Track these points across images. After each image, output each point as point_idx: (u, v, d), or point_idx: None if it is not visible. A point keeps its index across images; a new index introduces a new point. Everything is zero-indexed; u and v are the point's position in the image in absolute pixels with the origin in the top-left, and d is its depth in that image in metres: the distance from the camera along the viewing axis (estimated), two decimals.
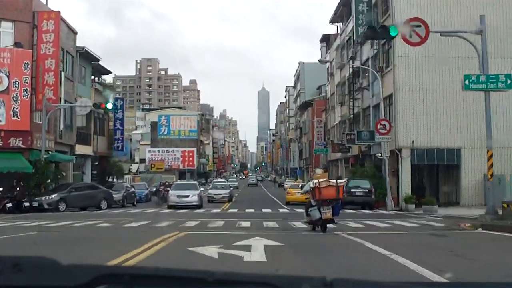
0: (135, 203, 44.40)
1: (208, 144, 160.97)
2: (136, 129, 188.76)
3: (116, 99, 58.33)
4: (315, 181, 18.60)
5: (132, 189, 46.33)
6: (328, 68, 76.08)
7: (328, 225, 18.15)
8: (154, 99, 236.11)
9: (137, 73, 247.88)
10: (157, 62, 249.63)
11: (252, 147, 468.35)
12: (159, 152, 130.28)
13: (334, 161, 71.60)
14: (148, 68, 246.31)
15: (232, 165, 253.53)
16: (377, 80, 46.27)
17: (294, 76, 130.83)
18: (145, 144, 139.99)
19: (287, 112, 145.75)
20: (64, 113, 45.56)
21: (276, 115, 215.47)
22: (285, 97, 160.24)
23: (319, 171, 23.15)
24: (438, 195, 46.21)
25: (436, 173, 48.66)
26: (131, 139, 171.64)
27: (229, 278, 2.17)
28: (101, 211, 35.65)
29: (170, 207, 38.82)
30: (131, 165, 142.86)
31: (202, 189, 47.37)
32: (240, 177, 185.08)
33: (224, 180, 68.13)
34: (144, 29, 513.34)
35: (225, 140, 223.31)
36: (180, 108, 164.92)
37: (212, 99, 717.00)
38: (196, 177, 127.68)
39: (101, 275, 2.07)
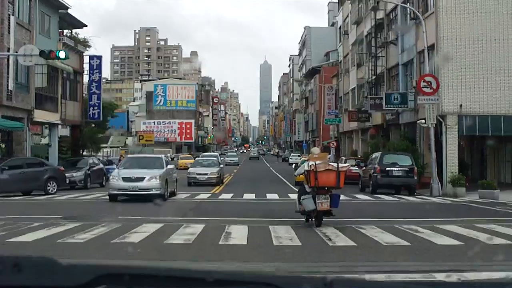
0: (104, 183, 34.25)
1: (208, 116, 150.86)
2: (134, 101, 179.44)
3: (91, 57, 48.14)
4: (311, 162, 15.14)
5: (100, 166, 35.97)
6: (340, 27, 65.70)
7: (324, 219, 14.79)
8: (153, 70, 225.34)
9: (136, 44, 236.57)
10: (156, 32, 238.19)
11: (254, 122, 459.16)
12: (154, 124, 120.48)
13: (348, 133, 61.60)
14: (147, 38, 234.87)
15: (233, 138, 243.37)
16: (410, 31, 36.23)
17: (299, 43, 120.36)
18: (141, 116, 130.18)
19: (291, 82, 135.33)
20: (16, 68, 35.53)
21: (279, 87, 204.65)
22: (289, 66, 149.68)
23: (316, 150, 18.16)
24: (484, 174, 36.44)
25: (480, 148, 38.79)
26: (128, 111, 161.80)
27: (229, 278, 2.14)
28: (44, 197, 25.78)
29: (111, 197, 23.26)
30: (126, 138, 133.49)
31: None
32: (241, 151, 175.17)
33: (214, 155, 52.45)
34: (144, 1, 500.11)
35: (225, 113, 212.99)
36: (180, 79, 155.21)
37: (214, 73, 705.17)
38: (194, 151, 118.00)
39: (101, 275, 2.05)
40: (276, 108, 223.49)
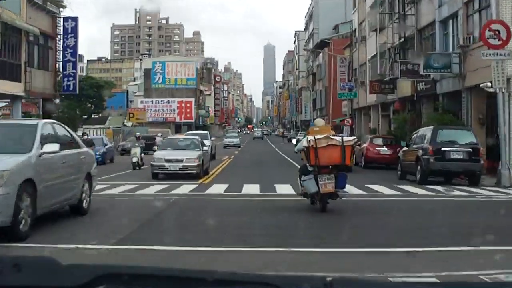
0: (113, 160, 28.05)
1: (210, 95, 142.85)
2: (134, 81, 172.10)
3: (65, 19, 40.22)
4: (311, 137, 12.83)
5: (111, 145, 30.64)
6: None
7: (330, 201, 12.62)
8: (154, 50, 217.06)
9: (137, 22, 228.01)
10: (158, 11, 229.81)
11: (258, 103, 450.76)
12: (152, 103, 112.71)
13: (364, 109, 53.76)
14: (148, 17, 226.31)
15: (236, 119, 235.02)
16: None
17: (305, 16, 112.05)
18: (140, 96, 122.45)
19: (297, 59, 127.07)
20: None
21: (284, 65, 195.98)
22: (294, 43, 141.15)
23: (319, 122, 15.15)
24: None
25: None
26: (127, 91, 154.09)
27: (229, 278, 2.12)
28: None
29: None
30: (125, 118, 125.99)
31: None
32: (244, 132, 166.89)
33: (204, 133, 40.59)
34: None
35: (228, 92, 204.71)
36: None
37: (217, 54, 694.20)
38: (194, 129, 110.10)
39: (101, 275, 2.03)
40: (280, 87, 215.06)
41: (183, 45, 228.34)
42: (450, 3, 30.02)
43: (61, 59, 40.09)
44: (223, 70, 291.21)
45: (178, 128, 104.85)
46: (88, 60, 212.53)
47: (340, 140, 12.89)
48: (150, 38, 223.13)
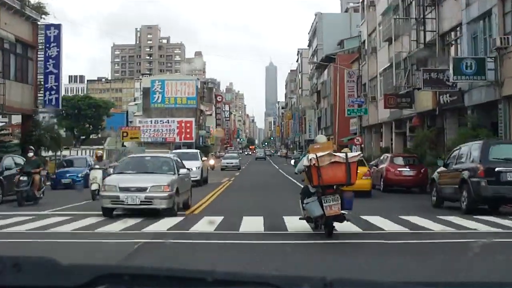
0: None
1: (211, 115, 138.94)
2: (134, 101, 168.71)
3: (47, 26, 36.26)
4: (312, 155, 11.70)
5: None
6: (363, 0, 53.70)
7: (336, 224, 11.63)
8: (155, 70, 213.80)
9: (137, 42, 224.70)
10: (158, 30, 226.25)
11: (260, 124, 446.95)
12: (151, 122, 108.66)
13: (375, 126, 49.64)
14: (149, 36, 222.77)
15: (238, 139, 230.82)
16: None
17: (308, 33, 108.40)
18: (139, 116, 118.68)
19: (300, 77, 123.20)
20: None
21: (286, 85, 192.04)
22: (297, 61, 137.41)
23: (321, 138, 14.03)
24: None
25: None
26: (127, 112, 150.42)
27: (229, 278, 2.11)
28: None
29: None
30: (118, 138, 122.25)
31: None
32: (246, 153, 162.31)
33: (194, 153, 35.42)
34: (147, 3, 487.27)
35: (230, 113, 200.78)
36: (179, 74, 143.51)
37: (219, 74, 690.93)
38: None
39: (101, 275, 2.03)
40: (282, 108, 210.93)
41: (184, 65, 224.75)
42: (480, 1, 26.01)
43: (43, 71, 36.12)
44: (224, 91, 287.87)
45: (178, 149, 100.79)
46: (88, 80, 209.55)
47: (344, 157, 11.80)
48: (151, 58, 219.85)
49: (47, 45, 35.87)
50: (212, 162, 58.06)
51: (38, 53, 36.37)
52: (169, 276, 2.09)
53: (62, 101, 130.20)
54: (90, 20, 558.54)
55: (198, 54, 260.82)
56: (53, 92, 35.68)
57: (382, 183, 26.62)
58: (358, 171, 22.92)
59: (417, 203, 20.29)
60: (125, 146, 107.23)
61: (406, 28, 36.63)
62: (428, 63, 32.18)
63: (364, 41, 52.45)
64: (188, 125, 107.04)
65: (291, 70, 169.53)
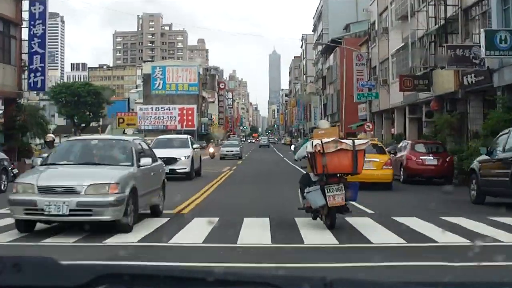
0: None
1: (213, 102, 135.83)
2: (136, 88, 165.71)
3: (32, 2, 33.11)
4: (317, 141, 10.92)
5: None
6: None
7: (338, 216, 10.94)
8: (157, 57, 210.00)
9: (139, 29, 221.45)
10: (161, 17, 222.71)
11: (263, 112, 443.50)
12: (152, 110, 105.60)
13: (386, 112, 46.50)
14: (151, 23, 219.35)
15: (241, 127, 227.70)
16: None
17: (313, 17, 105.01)
18: (140, 103, 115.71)
19: (304, 63, 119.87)
20: None
21: (290, 71, 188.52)
22: (301, 47, 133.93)
23: (324, 124, 13.08)
24: None
25: None
26: (129, 99, 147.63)
27: (229, 278, 2.09)
28: None
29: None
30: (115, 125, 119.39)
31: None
32: (249, 141, 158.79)
33: (183, 138, 29.05)
34: None
35: (233, 100, 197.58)
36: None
37: (222, 62, 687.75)
38: (197, 139, 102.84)
39: (101, 275, 2.01)
40: (286, 95, 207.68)
41: (186, 52, 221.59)
42: None
43: (27, 51, 33.03)
44: (228, 79, 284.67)
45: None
46: (89, 68, 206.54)
47: (351, 144, 10.98)
48: (153, 45, 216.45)
49: (32, 23, 32.73)
50: (211, 150, 54.71)
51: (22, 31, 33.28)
52: (169, 276, 2.07)
53: (62, 88, 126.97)
54: (92, 9, 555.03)
55: (201, 41, 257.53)
56: (38, 74, 32.58)
57: (402, 173, 23.56)
58: (379, 160, 20.23)
59: (449, 198, 17.29)
60: (125, 133, 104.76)
61: (420, 6, 33.48)
62: (451, 41, 28.97)
63: (374, 21, 49.18)
64: (190, 112, 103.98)
65: (295, 57, 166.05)
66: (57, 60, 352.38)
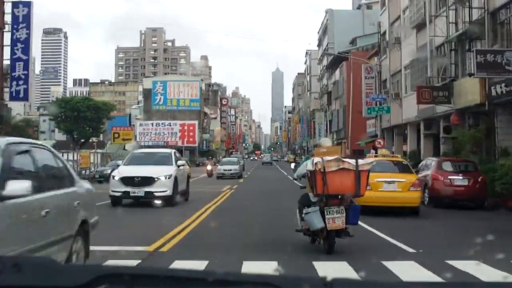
0: None
1: (215, 118, 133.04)
2: (138, 104, 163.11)
3: (15, 4, 30.27)
4: (318, 159, 10.47)
5: None
6: None
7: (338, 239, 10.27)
8: (160, 73, 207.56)
9: (142, 45, 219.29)
10: (163, 32, 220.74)
11: (266, 130, 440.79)
12: (152, 125, 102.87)
13: (397, 128, 43.45)
14: (154, 39, 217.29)
15: (244, 144, 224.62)
16: None
17: (318, 32, 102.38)
18: (140, 119, 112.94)
19: (308, 79, 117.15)
20: None
21: (293, 88, 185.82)
22: (305, 63, 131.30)
23: (326, 141, 13.02)
24: None
25: None
26: (130, 115, 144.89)
27: (229, 278, 2.08)
28: None
29: None
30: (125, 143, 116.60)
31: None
32: (251, 158, 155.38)
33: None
34: (152, 6, 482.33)
35: (236, 117, 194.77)
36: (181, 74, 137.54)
37: (225, 79, 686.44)
38: (198, 156, 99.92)
39: (101, 275, 2.01)
40: (289, 112, 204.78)
41: (189, 68, 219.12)
42: None
43: (10, 57, 30.15)
44: (231, 95, 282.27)
45: (181, 153, 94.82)
46: (90, 83, 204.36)
47: (354, 163, 10.35)
48: (155, 60, 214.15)
49: (15, 26, 29.91)
50: (209, 167, 51.31)
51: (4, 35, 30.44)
52: (169, 276, 2.07)
53: (61, 103, 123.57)
54: (96, 24, 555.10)
55: (204, 58, 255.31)
56: (21, 82, 29.70)
57: (426, 195, 20.44)
58: (404, 180, 17.17)
59: (496, 227, 14.14)
60: (126, 150, 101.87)
61: (439, 12, 30.61)
62: (475, 46, 25.99)
63: (385, 32, 46.28)
64: (191, 128, 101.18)
65: (298, 73, 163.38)
66: (60, 76, 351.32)
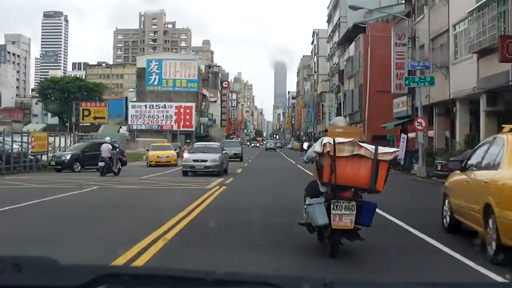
0: None
1: (215, 102, 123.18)
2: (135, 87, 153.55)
3: None
4: (327, 139, 8.53)
5: None
6: None
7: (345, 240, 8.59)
8: None
9: (141, 27, 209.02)
10: (164, 14, 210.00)
11: (268, 117, 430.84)
12: (145, 107, 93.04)
13: (439, 105, 33.64)
14: (153, 21, 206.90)
15: (245, 131, 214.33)
16: None
17: (328, 7, 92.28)
18: (134, 101, 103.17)
19: (315, 60, 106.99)
20: None
21: (298, 72, 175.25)
22: (312, 43, 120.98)
23: (340, 121, 10.52)
24: None
25: None
26: (126, 98, 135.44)
27: (229, 278, 2.05)
28: None
29: None
30: (120, 127, 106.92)
31: None
32: (253, 145, 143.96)
33: None
34: None
35: (238, 102, 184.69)
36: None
37: (227, 66, 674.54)
38: (195, 141, 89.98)
39: (101, 275, 1.99)
40: (293, 98, 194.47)
41: (190, 51, 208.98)
42: None
43: None
44: (233, 81, 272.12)
45: (175, 138, 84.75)
46: (87, 65, 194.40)
47: (374, 150, 8.38)
48: (155, 43, 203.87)
49: None
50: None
51: None
52: (169, 276, 2.04)
53: (50, 84, 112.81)
54: (97, 8, 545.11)
55: (206, 42, 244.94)
56: None
57: None
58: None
59: None
60: (119, 132, 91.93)
61: None
62: None
63: None
64: (188, 111, 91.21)
65: (304, 56, 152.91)
66: (60, 60, 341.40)
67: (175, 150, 43.79)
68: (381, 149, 8.55)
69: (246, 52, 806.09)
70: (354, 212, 8.34)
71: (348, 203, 8.34)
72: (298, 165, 42.27)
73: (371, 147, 8.51)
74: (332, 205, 8.33)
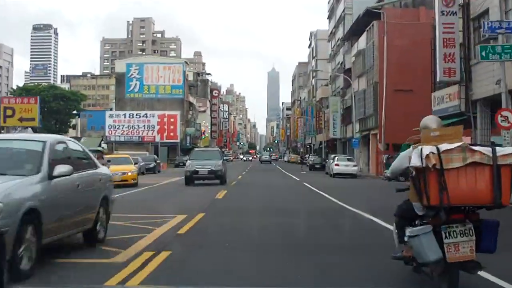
0: None
1: (204, 112, 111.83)
2: None
3: None
4: (429, 148, 5.88)
5: None
6: None
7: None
8: None
9: (129, 36, 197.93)
10: (152, 23, 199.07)
11: (261, 130, 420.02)
12: (124, 116, 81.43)
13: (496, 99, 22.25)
14: (142, 30, 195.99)
15: (238, 143, 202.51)
16: None
17: (328, 2, 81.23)
18: (111, 111, 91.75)
19: (314, 63, 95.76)
20: None
21: (293, 80, 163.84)
22: (309, 46, 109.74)
23: (432, 121, 6.76)
24: None
25: None
26: (111, 109, 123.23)
27: None
28: None
29: None
30: (102, 140, 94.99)
31: None
32: (245, 159, 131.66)
33: None
34: (145, 4, 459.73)
35: (230, 113, 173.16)
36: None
37: (220, 78, 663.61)
38: (180, 154, 78.61)
39: None
40: (288, 109, 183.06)
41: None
42: None
43: None
44: (225, 93, 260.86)
45: (157, 151, 73.17)
46: (71, 76, 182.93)
47: (491, 154, 5.94)
48: (143, 53, 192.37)
49: None
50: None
51: None
52: None
53: (21, 92, 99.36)
54: (87, 22, 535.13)
55: (198, 54, 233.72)
56: None
57: None
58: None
59: None
60: (102, 147, 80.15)
61: None
62: None
63: None
64: (172, 120, 79.77)
65: (299, 63, 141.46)
66: (50, 73, 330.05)
67: (136, 164, 32.62)
68: (500, 150, 6.04)
69: (238, 64, 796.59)
70: (474, 237, 5.97)
71: (463, 227, 6.01)
72: (305, 183, 30.84)
73: (487, 150, 6.00)
74: (443, 233, 5.98)
